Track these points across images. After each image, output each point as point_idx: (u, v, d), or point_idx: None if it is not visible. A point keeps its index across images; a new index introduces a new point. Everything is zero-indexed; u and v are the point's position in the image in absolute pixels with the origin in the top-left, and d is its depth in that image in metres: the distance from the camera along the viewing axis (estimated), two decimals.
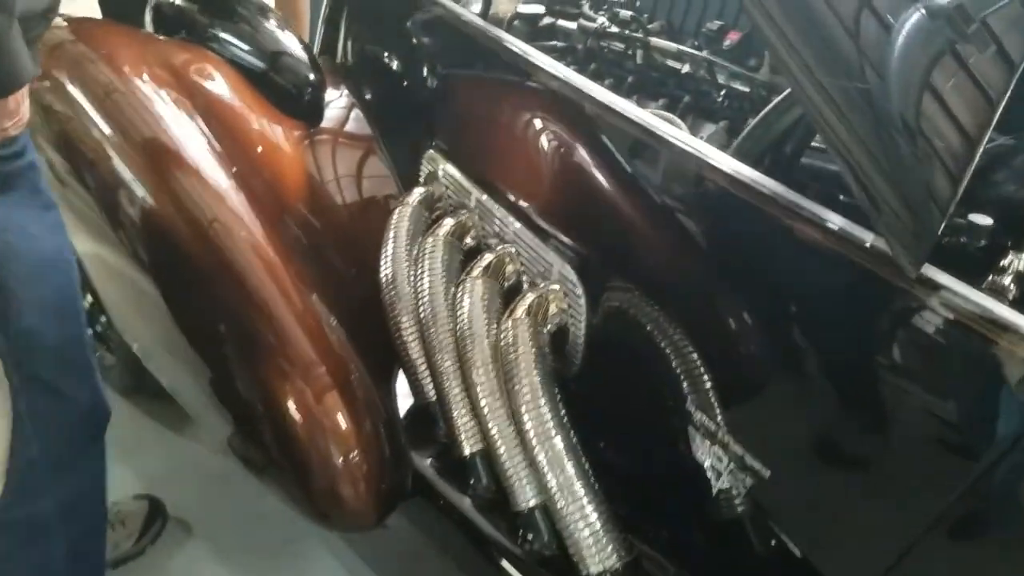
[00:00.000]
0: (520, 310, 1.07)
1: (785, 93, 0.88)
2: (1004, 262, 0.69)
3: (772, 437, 0.85)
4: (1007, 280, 0.67)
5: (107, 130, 1.32)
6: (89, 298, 1.65)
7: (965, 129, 0.68)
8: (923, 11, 0.75)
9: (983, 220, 0.70)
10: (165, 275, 1.24)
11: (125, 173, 1.28)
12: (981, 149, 0.66)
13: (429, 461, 1.20)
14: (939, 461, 0.71)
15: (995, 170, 0.81)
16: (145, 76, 1.45)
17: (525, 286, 1.14)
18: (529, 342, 1.05)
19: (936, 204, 0.65)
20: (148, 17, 1.74)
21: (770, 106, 0.88)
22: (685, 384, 0.93)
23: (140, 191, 1.26)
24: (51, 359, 1.03)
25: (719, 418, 0.88)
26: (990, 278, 0.68)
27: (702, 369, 0.91)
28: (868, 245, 0.70)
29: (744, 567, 0.94)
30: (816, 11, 0.74)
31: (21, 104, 0.93)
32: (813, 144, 0.91)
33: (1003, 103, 0.71)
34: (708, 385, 0.90)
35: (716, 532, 0.94)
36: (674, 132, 0.94)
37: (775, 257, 0.83)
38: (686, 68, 1.21)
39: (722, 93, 1.17)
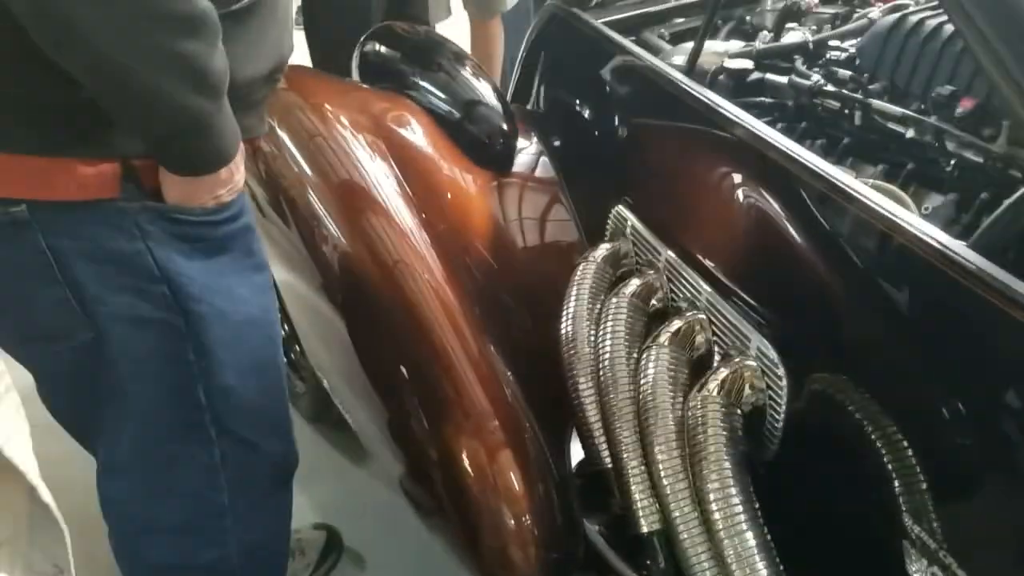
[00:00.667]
0: (712, 385, 1.00)
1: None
2: None
3: (1010, 563, 0.74)
4: None
5: (308, 170, 1.38)
6: (286, 326, 1.73)
7: None
8: None
9: None
10: (351, 311, 1.27)
11: (321, 211, 1.33)
12: None
13: (601, 531, 1.15)
14: None
15: None
16: (345, 123, 1.51)
17: (717, 359, 1.07)
18: (720, 422, 0.98)
19: None
20: (355, 64, 1.82)
21: (1020, 193, 0.78)
22: (900, 488, 0.83)
23: (333, 229, 1.31)
24: (248, 415, 1.06)
25: (940, 533, 0.78)
26: None
27: (922, 473, 0.81)
28: None
29: None
30: None
31: (235, 173, 0.97)
32: None
33: None
34: (929, 493, 0.80)
35: None
36: (896, 209, 0.85)
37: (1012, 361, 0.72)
38: (911, 133, 1.10)
39: (951, 163, 1.06)
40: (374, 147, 1.46)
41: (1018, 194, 0.79)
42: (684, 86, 1.21)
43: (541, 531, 1.08)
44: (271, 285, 1.10)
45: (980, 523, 0.79)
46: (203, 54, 0.85)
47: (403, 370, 1.18)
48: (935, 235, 0.80)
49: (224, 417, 1.03)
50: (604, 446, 1.15)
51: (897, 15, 1.19)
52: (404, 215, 1.32)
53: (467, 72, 1.72)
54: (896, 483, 0.83)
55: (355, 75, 1.74)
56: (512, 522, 1.07)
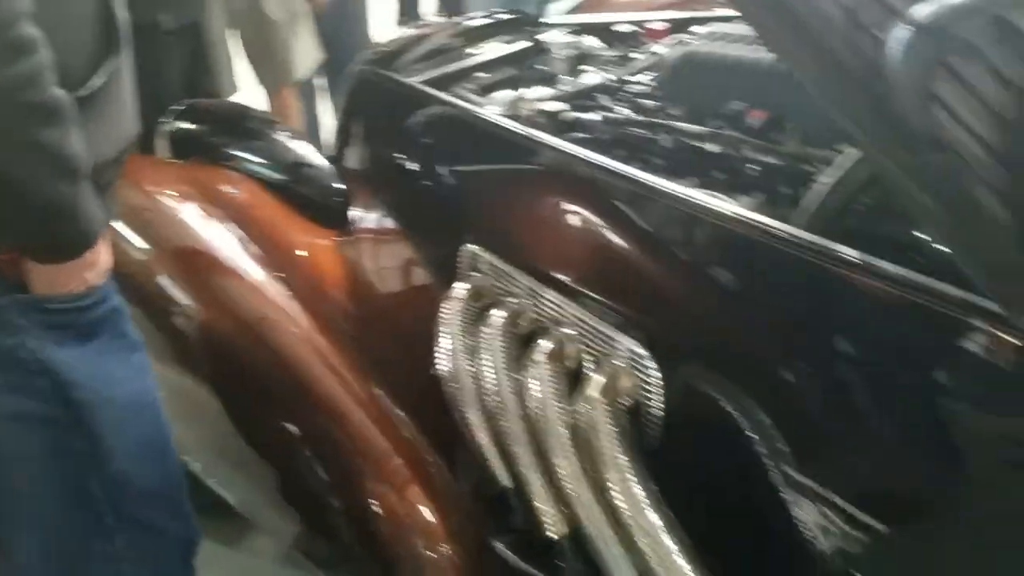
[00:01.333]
0: (593, 390, 1.10)
1: (856, 160, 0.94)
2: None
3: (882, 490, 0.88)
4: None
5: (142, 245, 1.35)
6: None
7: None
8: None
9: None
10: (220, 380, 1.26)
11: (165, 283, 1.31)
12: None
13: (509, 549, 1.20)
14: None
15: None
16: (172, 193, 1.50)
17: (591, 367, 1.17)
18: (608, 422, 1.07)
19: None
20: (159, 144, 1.79)
21: (838, 175, 0.95)
22: (781, 445, 0.96)
23: (183, 298, 1.29)
24: (146, 499, 1.04)
25: (822, 475, 0.91)
26: None
27: (796, 428, 0.95)
28: (963, 298, 0.75)
29: None
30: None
31: (101, 254, 0.96)
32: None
33: None
34: (806, 443, 0.94)
35: None
36: (730, 205, 1.00)
37: (863, 317, 0.88)
38: (715, 148, 1.28)
39: (752, 171, 1.24)
40: (208, 214, 1.45)
41: (841, 174, 0.95)
42: (513, 127, 1.33)
43: (458, 558, 1.12)
44: (149, 364, 1.07)
45: (843, 459, 0.93)
46: (61, 140, 0.85)
47: (291, 427, 1.19)
48: (770, 222, 0.94)
49: (122, 505, 1.00)
50: (501, 468, 1.21)
51: (685, 48, 1.38)
52: (256, 273, 1.33)
53: (286, 137, 1.76)
54: (778, 442, 0.96)
55: (161, 155, 1.72)
56: (429, 553, 1.11)
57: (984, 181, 0.74)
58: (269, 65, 2.76)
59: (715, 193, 1.14)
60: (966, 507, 0.83)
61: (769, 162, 1.22)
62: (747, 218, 0.96)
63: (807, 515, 0.93)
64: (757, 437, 0.98)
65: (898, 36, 0.79)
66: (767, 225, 0.94)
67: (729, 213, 0.98)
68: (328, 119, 3.25)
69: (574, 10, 2.46)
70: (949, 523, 0.84)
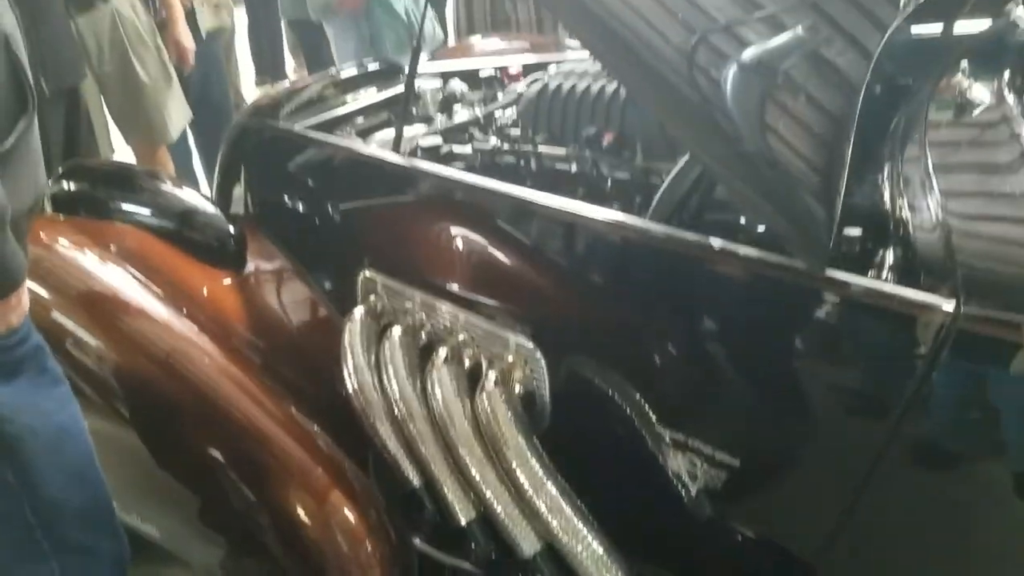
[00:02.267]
0: (490, 384, 1.24)
1: (683, 161, 1.13)
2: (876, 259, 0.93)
3: (733, 432, 1.05)
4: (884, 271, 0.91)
5: (44, 293, 1.40)
6: None
7: (831, 160, 0.94)
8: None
9: (854, 231, 0.95)
10: (137, 415, 1.32)
11: (71, 326, 1.36)
12: (846, 172, 0.91)
13: (427, 542, 1.31)
14: (860, 423, 0.93)
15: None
16: (68, 243, 1.55)
17: (485, 364, 1.31)
18: (506, 409, 1.21)
19: (826, 217, 0.89)
20: (47, 207, 1.83)
21: (673, 173, 1.13)
22: (649, 409, 1.12)
23: (91, 340, 1.35)
24: (78, 522, 1.10)
25: (685, 428, 1.08)
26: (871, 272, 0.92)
27: (661, 392, 1.11)
28: (779, 262, 0.93)
29: (731, 558, 1.12)
30: (697, 92, 0.99)
31: (23, 297, 1.03)
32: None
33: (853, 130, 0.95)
34: (670, 404, 1.10)
35: (703, 532, 1.12)
36: (595, 208, 1.17)
37: (703, 288, 1.05)
38: (575, 167, 1.46)
39: (609, 183, 1.43)
40: (104, 259, 1.51)
41: (675, 170, 1.13)
42: (395, 160, 1.46)
43: (381, 554, 1.22)
44: (71, 395, 1.13)
45: (712, 410, 1.10)
46: None
47: (211, 451, 1.26)
48: (620, 218, 1.11)
49: (55, 530, 1.05)
50: (412, 469, 1.32)
51: (540, 85, 1.56)
52: (161, 311, 1.40)
53: (172, 188, 1.83)
54: (647, 407, 1.13)
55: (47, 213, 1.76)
56: (354, 551, 1.21)
57: (795, 181, 0.93)
58: (142, 127, 2.80)
59: (575, 200, 1.31)
60: (803, 440, 1.01)
61: (621, 178, 1.41)
62: (602, 218, 1.12)
63: (677, 464, 1.10)
64: (630, 405, 1.14)
65: (733, 73, 0.98)
66: (619, 221, 1.11)
67: (588, 215, 1.15)
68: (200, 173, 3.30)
69: (432, 57, 2.64)
70: (787, 455, 1.02)
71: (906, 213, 0.90)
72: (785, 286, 0.92)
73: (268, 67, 5.42)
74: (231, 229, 1.73)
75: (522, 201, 1.25)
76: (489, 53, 2.47)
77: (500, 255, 1.31)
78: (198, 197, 1.83)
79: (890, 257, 0.89)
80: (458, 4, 3.72)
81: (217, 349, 1.38)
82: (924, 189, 0.90)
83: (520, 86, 1.77)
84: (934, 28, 1.24)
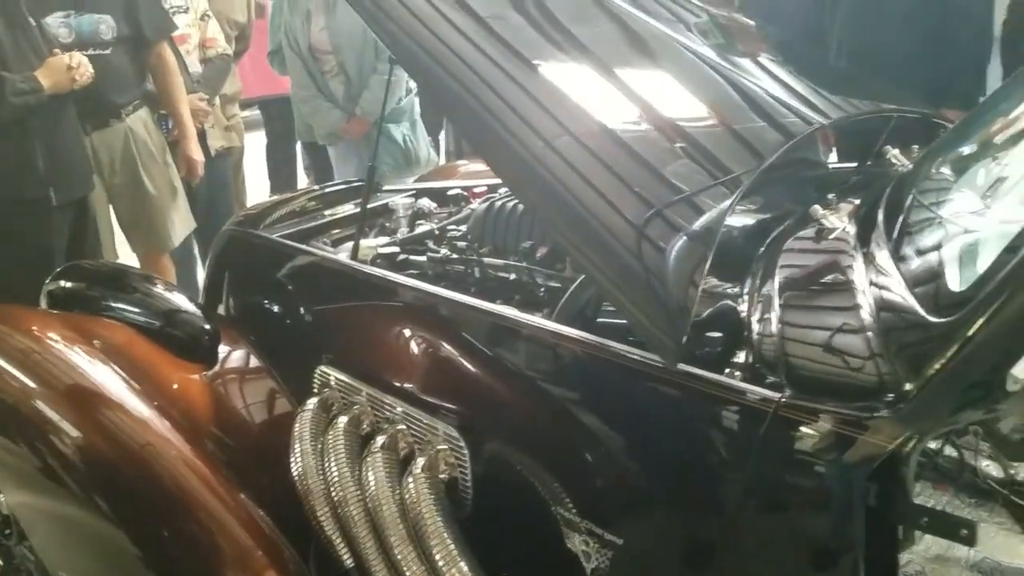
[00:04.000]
0: (417, 469, 1.35)
1: (580, 279, 1.28)
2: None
3: (617, 513, 1.16)
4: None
5: (31, 384, 1.55)
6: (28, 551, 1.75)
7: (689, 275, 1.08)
8: None
9: (715, 334, 1.08)
10: (109, 503, 1.44)
11: (54, 418, 1.50)
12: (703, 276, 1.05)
13: None
14: (713, 499, 1.03)
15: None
16: (57, 337, 1.71)
17: (417, 452, 1.42)
18: (428, 492, 1.32)
19: (681, 320, 1.03)
20: (44, 301, 2.00)
21: (577, 281, 1.28)
22: (550, 494, 1.23)
23: (73, 431, 1.48)
24: None
25: (579, 511, 1.19)
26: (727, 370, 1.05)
27: (560, 477, 1.22)
28: (642, 357, 1.06)
29: None
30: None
31: None
32: None
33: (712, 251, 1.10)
34: (566, 488, 1.21)
35: None
36: (512, 311, 1.32)
37: (587, 380, 1.18)
38: (513, 276, 1.62)
39: (542, 290, 1.58)
40: (91, 355, 1.66)
41: (577, 282, 1.28)
42: (355, 267, 1.63)
43: None
44: None
45: (600, 495, 1.20)
46: None
47: (173, 538, 1.39)
48: (535, 321, 1.26)
49: None
50: (345, 551, 1.42)
51: (486, 204, 1.74)
52: (136, 405, 1.54)
53: (159, 289, 2.00)
54: (550, 495, 1.24)
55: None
56: None
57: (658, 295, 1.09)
58: (146, 235, 3.01)
59: (504, 304, 1.46)
60: (670, 516, 1.12)
61: (553, 285, 1.57)
62: (516, 319, 1.27)
63: (574, 544, 1.20)
64: (536, 489, 1.25)
65: (677, 244, 1.13)
66: (529, 322, 1.25)
67: (506, 316, 1.30)
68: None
69: (420, 178, 2.87)
70: (664, 532, 1.13)
71: (751, 321, 1.04)
72: (648, 378, 1.05)
73: (283, 184, 5.75)
74: (208, 328, 1.89)
75: (455, 304, 1.40)
76: (467, 175, 2.69)
77: (437, 352, 1.45)
78: (183, 299, 1.99)
79: (735, 356, 1.02)
80: (448, 132, 3.99)
81: (185, 442, 1.51)
82: (768, 302, 1.05)
83: (476, 204, 1.96)
84: (801, 168, 1.42)
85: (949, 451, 1.25)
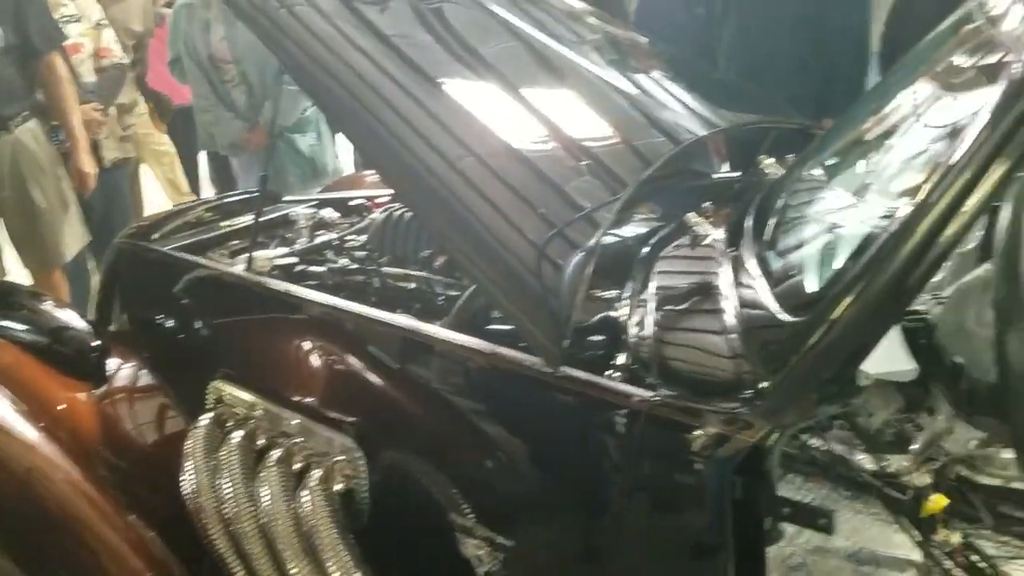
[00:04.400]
0: (312, 482, 1.34)
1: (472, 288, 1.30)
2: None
3: (507, 517, 1.17)
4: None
5: None
6: None
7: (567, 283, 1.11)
8: None
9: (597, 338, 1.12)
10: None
11: None
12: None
13: None
14: (596, 496, 1.06)
15: None
16: None
17: (313, 464, 1.41)
18: (323, 505, 1.31)
19: (563, 324, 1.06)
20: None
21: (470, 290, 1.30)
22: (446, 499, 1.24)
23: None
24: None
25: (473, 516, 1.20)
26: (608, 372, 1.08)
27: (455, 483, 1.23)
28: (525, 360, 1.08)
29: None
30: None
31: None
32: None
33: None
34: (461, 493, 1.22)
35: None
36: (405, 320, 1.32)
37: (487, 393, 1.20)
38: (412, 285, 1.62)
39: (440, 299, 1.59)
40: None
41: (469, 291, 1.30)
42: (249, 279, 1.61)
43: None
44: None
45: (491, 499, 1.22)
46: None
47: (59, 560, 1.34)
48: (428, 329, 1.27)
49: None
50: (239, 568, 1.40)
51: (385, 214, 1.75)
52: (22, 427, 1.48)
53: (47, 305, 1.94)
54: (446, 499, 1.25)
55: None
56: None
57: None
58: (37, 250, 2.90)
59: (403, 313, 1.46)
60: (556, 518, 1.14)
61: (451, 293, 1.58)
62: (409, 327, 1.28)
63: (469, 549, 1.21)
64: (432, 496, 1.26)
65: (561, 252, 1.15)
66: (421, 330, 1.26)
67: (401, 325, 1.30)
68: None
69: (324, 189, 2.84)
70: (552, 533, 1.15)
71: (630, 324, 1.08)
72: (535, 383, 1.08)
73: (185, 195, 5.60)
74: (97, 345, 1.83)
75: (351, 315, 1.40)
76: (373, 185, 2.68)
77: (333, 363, 1.44)
78: (72, 315, 1.92)
79: (616, 358, 1.06)
80: None
81: (72, 465, 1.46)
82: (645, 306, 1.09)
83: (376, 213, 1.95)
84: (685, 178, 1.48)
85: (827, 446, 1.31)
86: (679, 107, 1.63)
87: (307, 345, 1.49)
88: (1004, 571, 1.16)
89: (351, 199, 2.16)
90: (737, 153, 2.02)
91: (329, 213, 2.08)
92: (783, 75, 2.48)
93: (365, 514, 1.37)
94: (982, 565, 1.16)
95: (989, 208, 0.87)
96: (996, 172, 0.79)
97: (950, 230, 0.81)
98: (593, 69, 1.69)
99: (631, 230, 1.32)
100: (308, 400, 1.46)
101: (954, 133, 0.86)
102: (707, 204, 1.27)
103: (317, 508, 1.31)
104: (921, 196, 0.82)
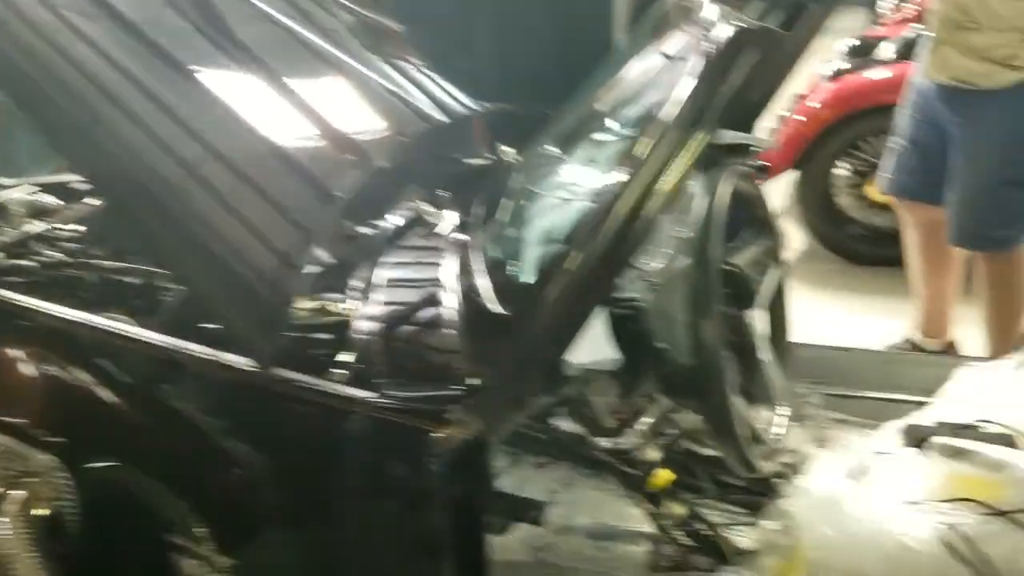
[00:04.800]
0: (9, 506, 1.18)
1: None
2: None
3: (229, 531, 1.09)
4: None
5: None
6: None
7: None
8: None
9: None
10: None
11: None
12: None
13: None
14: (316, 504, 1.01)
15: None
16: None
17: (10, 488, 1.24)
18: (23, 530, 1.16)
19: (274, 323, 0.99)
20: None
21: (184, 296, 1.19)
22: (163, 520, 1.13)
23: None
24: None
25: (191, 533, 1.10)
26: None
27: (172, 503, 1.13)
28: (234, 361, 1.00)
29: None
30: None
31: None
32: None
33: None
34: (178, 513, 1.12)
35: None
36: (110, 323, 1.19)
37: (200, 397, 1.10)
38: (130, 279, 1.47)
39: (167, 294, 1.45)
40: None
41: (183, 297, 1.18)
42: None
43: None
44: None
45: (213, 518, 1.12)
46: None
47: None
48: (134, 332, 1.14)
49: None
50: None
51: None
52: None
53: None
54: (165, 516, 1.14)
55: None
56: None
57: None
58: None
59: (118, 312, 1.32)
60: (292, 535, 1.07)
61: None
62: (113, 329, 1.15)
63: (189, 568, 1.11)
64: (151, 511, 1.14)
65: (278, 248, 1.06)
66: (133, 334, 1.14)
67: (107, 328, 1.17)
68: None
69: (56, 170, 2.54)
70: (276, 546, 1.08)
71: (355, 322, 1.02)
72: (248, 385, 1.00)
73: None
74: None
75: (49, 317, 1.23)
76: None
77: (30, 373, 1.27)
78: None
79: (341, 357, 1.00)
80: None
81: None
82: (370, 302, 1.04)
83: (90, 200, 1.76)
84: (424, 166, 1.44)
85: (566, 427, 1.33)
86: (429, 95, 1.60)
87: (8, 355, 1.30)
88: (725, 537, 1.22)
89: (70, 182, 1.94)
90: (494, 139, 2.01)
91: (48, 199, 1.86)
92: (531, 66, 2.55)
93: (75, 536, 1.23)
94: (707, 533, 1.22)
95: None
96: (691, 147, 0.80)
97: (647, 209, 0.81)
98: (341, 53, 1.61)
99: (360, 221, 1.25)
100: (4, 417, 1.28)
101: (655, 108, 0.87)
102: (440, 192, 1.23)
103: (16, 534, 1.15)
104: (617, 179, 0.83)
